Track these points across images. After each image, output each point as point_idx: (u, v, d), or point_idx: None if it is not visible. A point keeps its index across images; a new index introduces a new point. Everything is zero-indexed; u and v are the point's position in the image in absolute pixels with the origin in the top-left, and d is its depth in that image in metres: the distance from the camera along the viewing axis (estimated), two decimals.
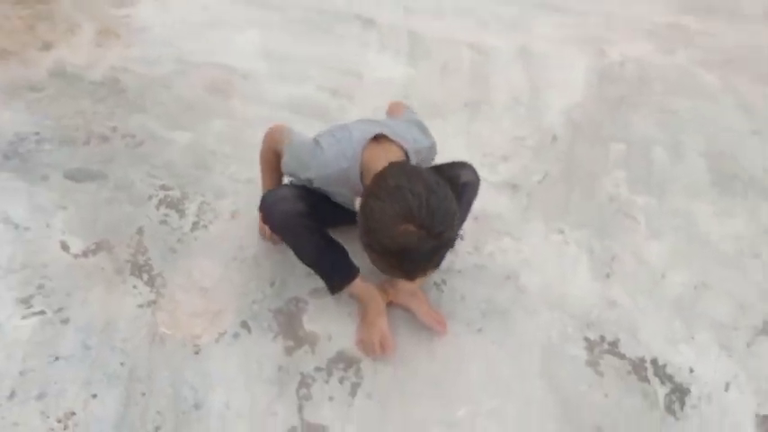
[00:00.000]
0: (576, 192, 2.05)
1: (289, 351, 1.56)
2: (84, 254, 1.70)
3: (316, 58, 2.40)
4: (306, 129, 1.68)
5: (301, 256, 1.59)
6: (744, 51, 2.75)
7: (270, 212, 1.54)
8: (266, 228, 1.73)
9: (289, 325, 1.61)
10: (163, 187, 1.89)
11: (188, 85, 2.22)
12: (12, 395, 1.41)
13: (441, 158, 1.66)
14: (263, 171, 1.71)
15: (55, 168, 1.90)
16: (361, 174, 1.43)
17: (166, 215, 1.82)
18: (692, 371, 1.62)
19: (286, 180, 1.71)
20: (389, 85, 2.34)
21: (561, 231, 1.92)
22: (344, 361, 1.56)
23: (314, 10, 2.64)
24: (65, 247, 1.71)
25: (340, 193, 1.55)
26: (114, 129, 2.04)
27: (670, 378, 1.61)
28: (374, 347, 1.56)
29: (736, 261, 1.91)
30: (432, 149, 1.63)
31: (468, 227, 1.79)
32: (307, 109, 2.19)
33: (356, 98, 2.27)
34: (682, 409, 1.55)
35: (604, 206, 2.03)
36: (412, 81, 2.40)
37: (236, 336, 1.58)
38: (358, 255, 1.51)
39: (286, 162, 1.57)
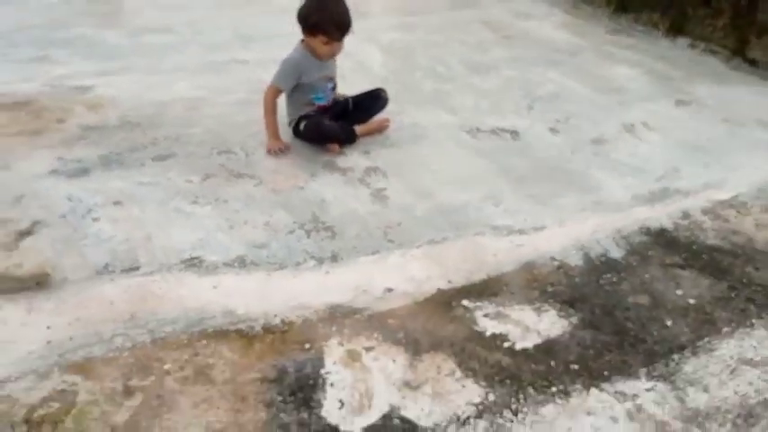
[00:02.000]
0: (415, 93, 3.72)
1: (342, 175, 2.94)
2: (203, 180, 2.88)
3: (232, 77, 3.76)
4: None
5: (333, 137, 3.02)
6: (445, 24, 4.73)
7: (316, 128, 2.98)
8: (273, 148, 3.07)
9: (333, 168, 2.99)
10: (214, 149, 3.12)
11: (173, 112, 3.44)
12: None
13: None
14: (268, 116, 3.07)
15: (142, 160, 3.02)
16: (312, 50, 2.96)
17: (227, 157, 3.06)
18: (514, 126, 3.36)
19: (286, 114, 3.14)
20: None
21: (423, 110, 3.57)
22: (372, 170, 2.98)
23: (203, 64, 3.99)
24: (189, 181, 2.87)
25: (321, 67, 3.02)
26: (154, 138, 3.19)
27: (508, 131, 3.32)
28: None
29: (501, 90, 3.73)
30: None
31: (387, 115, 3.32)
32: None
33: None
34: (520, 138, 3.26)
35: (432, 91, 3.72)
36: None
37: (313, 179, 2.91)
38: None
39: (281, 79, 2.99)
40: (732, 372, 2.01)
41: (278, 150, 3.05)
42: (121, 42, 4.30)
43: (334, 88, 3.15)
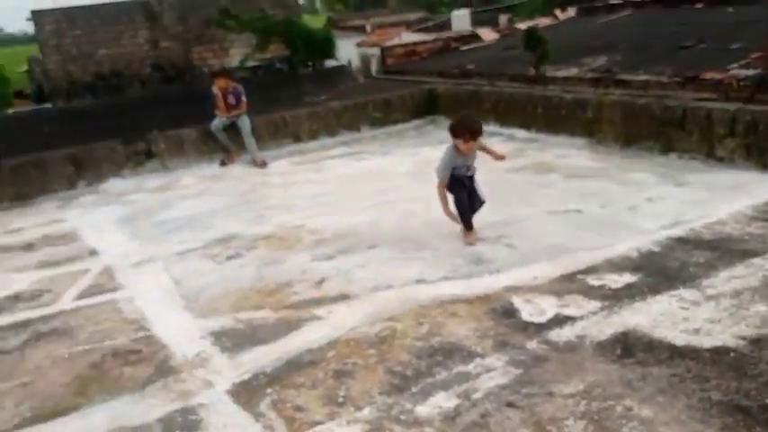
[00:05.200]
0: (507, 198, 5.81)
1: (482, 239, 4.95)
2: (402, 252, 4.89)
3: (386, 209, 5.88)
4: None
5: (466, 217, 5.05)
6: (511, 169, 6.93)
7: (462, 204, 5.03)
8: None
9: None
10: (402, 241, 5.16)
11: (363, 228, 5.52)
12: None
13: None
14: (445, 207, 5.08)
15: (361, 251, 5.04)
16: (457, 148, 4.99)
17: (413, 242, 5.10)
18: (578, 208, 5.41)
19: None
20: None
21: (514, 207, 5.64)
22: (500, 237, 5.00)
23: (361, 207, 6.15)
24: (393, 257, 4.88)
25: (464, 160, 5.02)
26: (362, 239, 5.25)
27: (573, 210, 5.36)
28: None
29: None
30: None
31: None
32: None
33: None
34: (582, 213, 5.30)
35: (517, 197, 5.82)
36: None
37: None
38: None
39: (442, 174, 4.96)
40: None
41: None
42: (303, 203, 6.49)
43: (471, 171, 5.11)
